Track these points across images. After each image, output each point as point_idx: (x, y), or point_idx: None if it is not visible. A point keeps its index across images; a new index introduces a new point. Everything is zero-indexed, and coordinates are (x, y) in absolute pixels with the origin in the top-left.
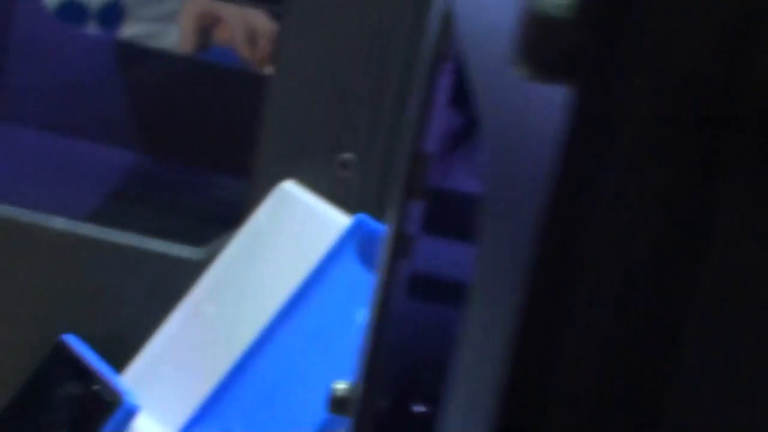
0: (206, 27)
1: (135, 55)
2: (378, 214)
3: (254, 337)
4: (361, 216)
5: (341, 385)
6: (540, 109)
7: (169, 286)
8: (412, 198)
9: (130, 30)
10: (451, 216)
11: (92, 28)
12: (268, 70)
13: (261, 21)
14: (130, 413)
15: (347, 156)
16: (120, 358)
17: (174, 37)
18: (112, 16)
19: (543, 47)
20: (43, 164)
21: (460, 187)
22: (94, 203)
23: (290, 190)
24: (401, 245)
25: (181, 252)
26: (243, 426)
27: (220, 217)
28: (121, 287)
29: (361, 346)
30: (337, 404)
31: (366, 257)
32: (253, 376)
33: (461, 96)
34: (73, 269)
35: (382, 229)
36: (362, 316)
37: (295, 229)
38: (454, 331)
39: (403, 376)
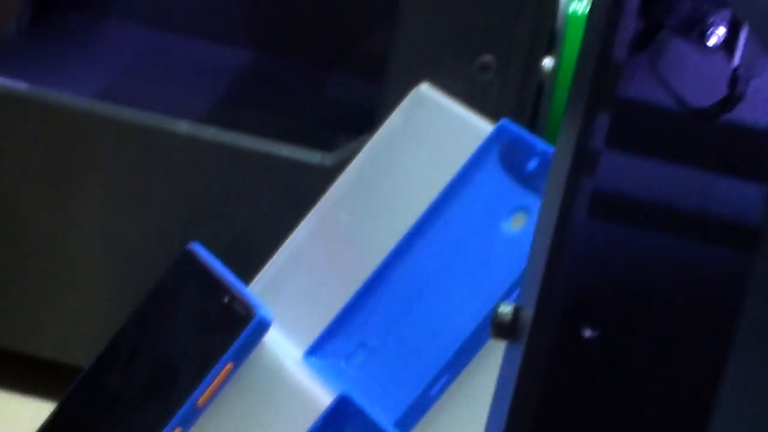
0: None
1: None
2: (518, 119)
3: (391, 248)
4: (505, 121)
5: (506, 308)
6: None
7: (297, 192)
8: (597, 109)
9: None
10: (635, 128)
11: None
12: None
13: None
14: (263, 327)
15: (487, 58)
16: (247, 269)
17: None
18: None
19: None
20: (160, 65)
21: (644, 96)
22: (214, 106)
23: (427, 93)
24: (584, 161)
25: (309, 157)
26: (379, 340)
27: (349, 122)
28: (247, 194)
29: (530, 266)
30: (502, 328)
31: (509, 164)
32: (391, 288)
33: None
34: (198, 175)
35: (526, 135)
36: (507, 226)
37: (433, 135)
38: (632, 251)
39: (574, 299)
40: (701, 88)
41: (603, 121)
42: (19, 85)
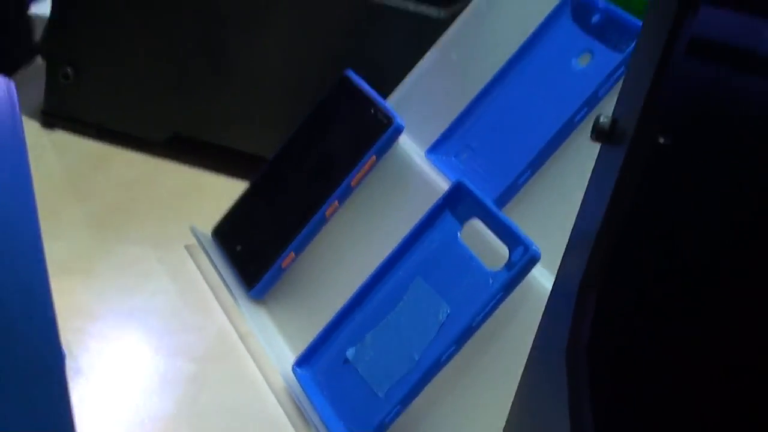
0: None
1: None
2: None
3: (489, 78)
4: None
5: (606, 119)
6: None
7: (420, 38)
8: None
9: None
10: None
11: None
12: None
13: None
14: (398, 131)
15: None
16: (385, 92)
17: None
18: None
19: None
20: None
21: None
22: None
23: None
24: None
25: (430, 12)
26: (479, 143)
27: None
28: (386, 38)
29: (629, 83)
30: (602, 134)
31: (578, 18)
32: (490, 106)
33: None
34: (349, 23)
35: None
36: (576, 63)
37: None
38: (725, 92)
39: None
40: None
41: None
42: None
